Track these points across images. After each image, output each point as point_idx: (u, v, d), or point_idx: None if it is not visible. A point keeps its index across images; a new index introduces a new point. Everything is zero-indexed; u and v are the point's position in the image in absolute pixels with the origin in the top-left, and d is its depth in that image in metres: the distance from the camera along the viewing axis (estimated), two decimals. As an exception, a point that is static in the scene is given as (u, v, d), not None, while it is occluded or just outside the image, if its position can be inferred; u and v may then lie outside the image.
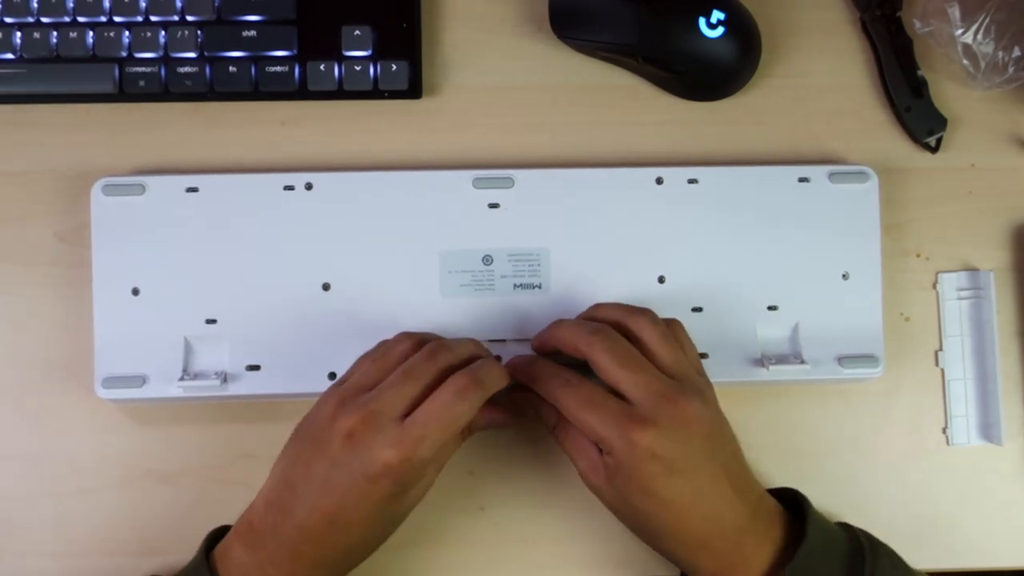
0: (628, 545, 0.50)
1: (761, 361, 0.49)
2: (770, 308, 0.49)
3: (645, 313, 0.45)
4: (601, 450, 0.42)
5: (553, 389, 0.43)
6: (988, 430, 0.51)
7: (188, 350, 0.48)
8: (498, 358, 0.48)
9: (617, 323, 0.44)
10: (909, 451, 0.51)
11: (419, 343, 0.44)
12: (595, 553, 0.50)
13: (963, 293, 0.52)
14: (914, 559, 0.45)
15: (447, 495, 0.50)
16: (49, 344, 0.50)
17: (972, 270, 0.52)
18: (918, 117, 0.52)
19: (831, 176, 0.50)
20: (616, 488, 0.42)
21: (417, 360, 0.42)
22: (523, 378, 0.45)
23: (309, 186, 0.49)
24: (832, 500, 0.50)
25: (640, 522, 0.43)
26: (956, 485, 0.51)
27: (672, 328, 0.45)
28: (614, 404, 0.41)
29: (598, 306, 0.47)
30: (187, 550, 0.45)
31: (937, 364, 0.52)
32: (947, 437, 0.51)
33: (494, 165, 0.51)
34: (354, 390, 0.42)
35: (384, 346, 0.44)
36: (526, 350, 0.48)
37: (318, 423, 0.42)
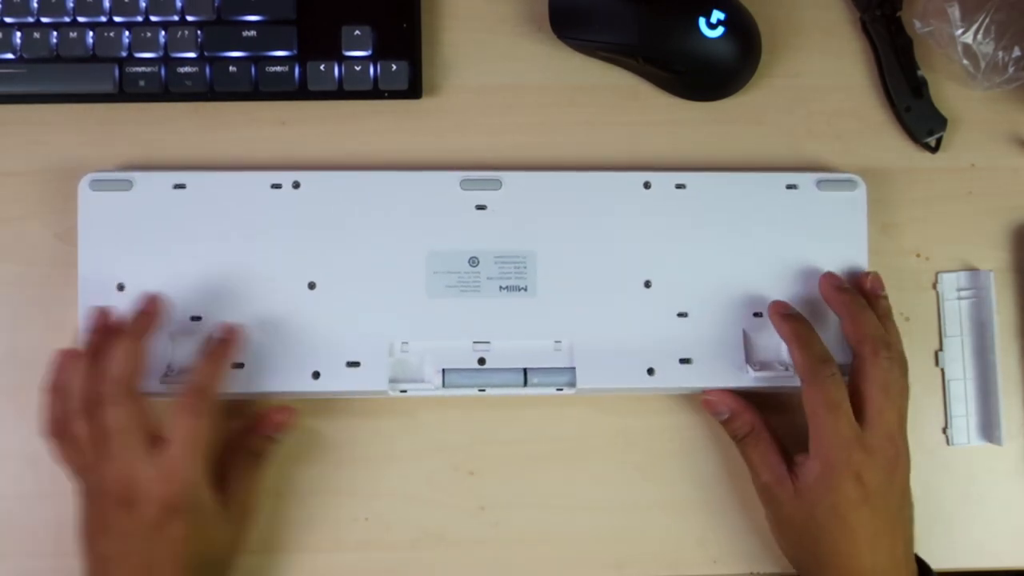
0: (628, 546, 0.50)
1: (746, 368, 0.48)
2: (756, 315, 0.49)
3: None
4: (790, 464, 0.45)
5: (823, 368, 0.45)
6: (988, 430, 0.51)
7: (172, 347, 0.48)
8: (482, 359, 0.48)
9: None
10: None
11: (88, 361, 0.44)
12: (595, 553, 0.50)
13: (963, 293, 0.52)
14: (914, 559, 0.45)
15: (447, 495, 0.50)
16: (49, 344, 0.50)
17: (972, 270, 0.52)
18: (918, 117, 0.52)
19: (819, 183, 0.50)
20: (804, 501, 0.44)
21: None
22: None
23: (297, 185, 0.49)
24: (832, 500, 0.50)
25: (808, 542, 0.44)
26: (956, 485, 0.51)
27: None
28: (852, 429, 0.44)
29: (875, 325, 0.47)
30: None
31: (937, 364, 0.52)
32: (947, 437, 0.51)
33: (494, 165, 0.51)
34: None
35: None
36: (512, 352, 0.48)
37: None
